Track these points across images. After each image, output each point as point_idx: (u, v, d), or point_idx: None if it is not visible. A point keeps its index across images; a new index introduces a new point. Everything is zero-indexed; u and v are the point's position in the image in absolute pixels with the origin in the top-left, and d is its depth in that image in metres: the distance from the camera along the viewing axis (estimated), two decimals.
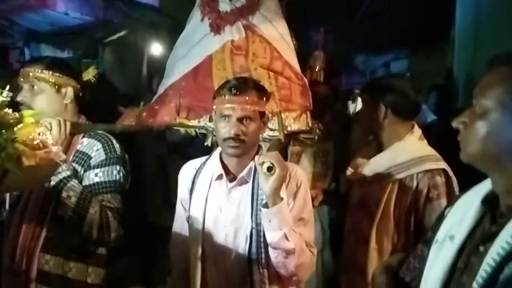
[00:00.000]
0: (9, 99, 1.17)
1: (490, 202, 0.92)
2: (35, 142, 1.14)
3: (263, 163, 1.36)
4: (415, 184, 1.69)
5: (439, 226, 1.01)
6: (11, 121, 1.14)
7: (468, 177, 1.05)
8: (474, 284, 0.82)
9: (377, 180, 1.78)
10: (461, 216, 0.96)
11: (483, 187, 0.96)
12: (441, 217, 1.04)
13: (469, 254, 0.89)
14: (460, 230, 0.92)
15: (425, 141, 1.84)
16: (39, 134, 1.17)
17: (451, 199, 1.67)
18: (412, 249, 1.16)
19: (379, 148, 1.85)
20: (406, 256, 1.17)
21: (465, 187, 1.06)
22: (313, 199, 1.82)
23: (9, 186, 1.16)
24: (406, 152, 1.75)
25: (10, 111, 1.17)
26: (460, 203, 1.01)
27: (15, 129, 1.13)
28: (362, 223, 1.80)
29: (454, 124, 0.93)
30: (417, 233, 1.68)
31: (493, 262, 0.80)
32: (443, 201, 1.64)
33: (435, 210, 1.63)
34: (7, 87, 1.19)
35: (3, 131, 1.10)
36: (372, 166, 1.82)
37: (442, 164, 1.71)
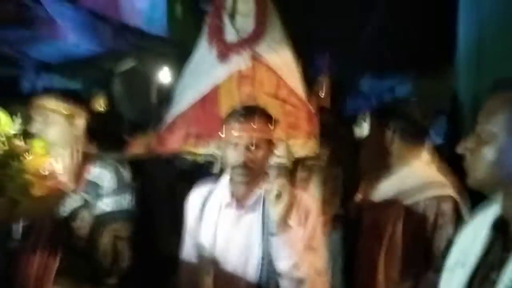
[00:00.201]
0: (20, 132, 1.20)
1: (499, 227, 0.91)
2: (44, 173, 1.17)
3: (271, 190, 1.36)
4: (421, 211, 1.67)
5: (449, 253, 1.01)
6: (21, 152, 1.17)
7: (479, 199, 1.05)
8: None
9: (385, 206, 1.76)
10: (470, 242, 0.95)
11: (491, 211, 0.95)
12: (450, 244, 1.04)
13: (481, 282, 0.88)
14: (471, 257, 0.92)
15: (433, 166, 1.83)
16: (48, 164, 1.19)
17: (459, 226, 1.67)
18: (422, 278, 1.15)
19: (388, 173, 1.84)
20: (416, 285, 1.16)
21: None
22: (322, 226, 1.82)
23: (18, 215, 1.19)
24: (413, 177, 1.74)
25: (21, 142, 1.19)
26: (469, 229, 1.00)
27: (24, 160, 1.15)
28: (372, 250, 1.77)
29: (460, 150, 0.94)
30: (425, 261, 1.64)
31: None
32: (451, 229, 1.62)
33: (442, 238, 1.61)
34: (19, 117, 1.21)
35: (13, 162, 1.13)
36: (379, 191, 1.81)
37: (449, 191, 1.68)
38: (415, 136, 1.82)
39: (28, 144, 1.22)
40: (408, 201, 1.70)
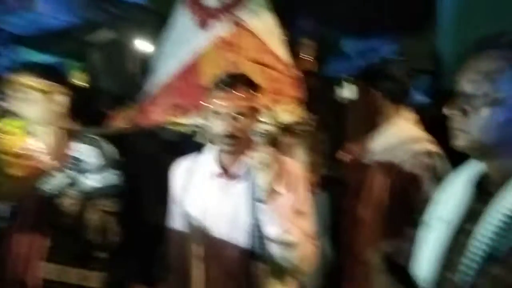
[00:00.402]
0: None
1: (478, 184, 0.93)
2: (23, 153, 1.12)
3: (258, 158, 1.36)
4: (402, 165, 1.73)
5: (428, 209, 1.03)
6: None
7: (459, 158, 1.05)
8: (464, 261, 0.84)
9: (368, 162, 1.83)
10: (449, 198, 0.98)
11: (471, 169, 0.97)
12: (429, 200, 1.05)
13: (457, 233, 0.91)
14: (449, 211, 0.94)
15: (416, 125, 1.89)
16: (27, 143, 1.15)
17: (439, 180, 1.73)
18: (404, 233, 1.18)
19: (375, 133, 1.89)
20: (399, 241, 1.19)
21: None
22: (310, 184, 1.86)
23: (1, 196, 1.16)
24: (398, 135, 1.80)
25: None
26: (448, 185, 1.02)
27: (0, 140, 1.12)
28: (355, 205, 1.85)
29: (449, 111, 0.92)
30: (409, 213, 1.71)
31: (484, 238, 0.82)
32: (431, 182, 1.68)
33: (424, 191, 1.68)
34: None
35: None
36: (362, 148, 1.88)
37: (427, 145, 1.75)
38: (400, 95, 1.87)
39: (3, 123, 1.18)
40: (393, 157, 1.76)
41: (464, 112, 0.90)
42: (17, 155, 1.14)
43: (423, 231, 1.01)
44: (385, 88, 1.84)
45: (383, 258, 1.20)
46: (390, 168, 1.75)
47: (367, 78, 1.93)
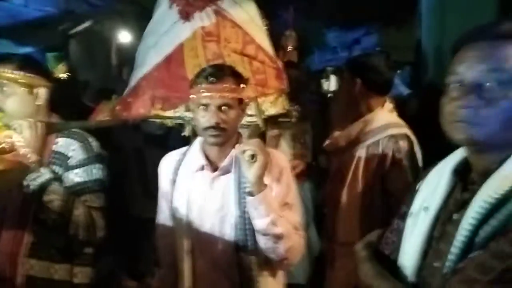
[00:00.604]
0: None
1: (460, 172, 0.94)
2: (1, 146, 1.08)
3: (244, 151, 1.35)
4: (380, 148, 1.81)
5: (413, 200, 1.03)
6: None
7: (436, 149, 1.06)
8: (452, 250, 0.85)
9: (349, 148, 1.90)
10: (433, 187, 0.98)
11: (452, 159, 0.98)
12: (413, 191, 1.06)
13: (444, 223, 0.92)
14: (434, 201, 0.95)
15: (394, 113, 1.99)
16: (5, 137, 1.11)
17: (414, 163, 1.80)
18: (389, 224, 1.19)
19: (356, 122, 1.94)
20: (384, 231, 1.21)
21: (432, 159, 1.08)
22: (294, 171, 1.90)
23: None
24: (375, 121, 1.87)
25: None
26: (431, 176, 1.02)
27: None
28: (336, 190, 1.91)
29: (453, 102, 0.87)
30: (383, 195, 1.81)
31: (469, 226, 0.83)
32: (406, 164, 1.78)
33: (399, 172, 1.77)
34: None
35: None
36: (344, 135, 1.94)
37: (405, 130, 1.84)
38: (382, 86, 1.93)
39: None
40: (368, 142, 1.85)
41: (476, 104, 0.85)
42: None
43: (408, 221, 1.01)
44: (368, 79, 1.89)
45: (367, 247, 1.21)
46: (371, 153, 1.83)
47: (350, 69, 1.98)
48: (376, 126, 1.85)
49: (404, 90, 3.58)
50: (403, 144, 1.79)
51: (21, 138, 1.18)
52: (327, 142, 2.04)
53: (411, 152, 1.80)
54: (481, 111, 0.85)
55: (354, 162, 1.85)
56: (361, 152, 1.85)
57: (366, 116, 1.90)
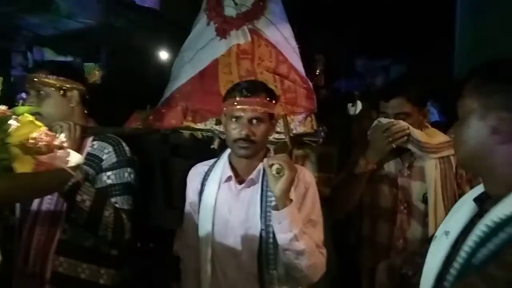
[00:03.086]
0: None
1: (481, 200, 0.97)
2: (38, 145, 0.97)
3: (272, 165, 1.37)
4: (454, 164, 1.75)
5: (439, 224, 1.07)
6: (4, 118, 0.96)
7: None
8: (451, 271, 0.88)
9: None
10: (456, 213, 1.02)
11: (479, 188, 1.01)
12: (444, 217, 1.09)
13: (458, 248, 0.93)
14: (454, 226, 0.97)
15: None
16: (42, 135, 0.98)
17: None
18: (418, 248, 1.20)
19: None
20: (412, 255, 1.21)
21: None
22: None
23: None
24: (437, 136, 1.79)
25: (4, 107, 1.00)
26: (458, 203, 1.07)
27: (9, 128, 0.95)
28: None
29: (450, 133, 0.99)
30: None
31: (468, 249, 0.86)
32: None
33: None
34: None
35: None
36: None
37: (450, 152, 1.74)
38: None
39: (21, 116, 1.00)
40: (439, 155, 1.74)
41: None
42: (30, 149, 0.96)
43: (432, 244, 1.04)
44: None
45: (390, 270, 1.21)
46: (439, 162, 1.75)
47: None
48: (442, 140, 1.75)
49: (434, 118, 3.56)
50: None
51: (61, 137, 1.12)
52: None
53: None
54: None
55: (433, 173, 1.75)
56: (436, 164, 1.75)
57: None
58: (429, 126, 1.87)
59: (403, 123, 1.72)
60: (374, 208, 1.85)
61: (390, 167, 1.84)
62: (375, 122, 1.78)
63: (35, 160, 0.97)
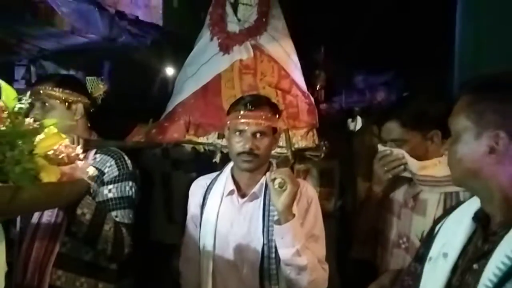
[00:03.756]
0: (27, 105, 1.03)
1: (480, 219, 0.93)
2: (60, 156, 1.02)
3: (274, 179, 1.37)
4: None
5: (431, 243, 1.02)
6: (30, 130, 1.00)
7: None
8: None
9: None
10: (452, 233, 0.97)
11: (473, 203, 0.97)
12: (431, 234, 1.05)
13: (463, 272, 0.90)
14: (453, 248, 0.93)
15: None
16: (64, 147, 1.03)
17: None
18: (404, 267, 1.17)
19: None
20: (398, 274, 1.18)
21: None
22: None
23: (24, 205, 0.98)
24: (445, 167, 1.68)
25: (30, 119, 1.04)
26: (450, 221, 1.02)
27: (35, 140, 0.99)
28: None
29: (443, 150, 0.98)
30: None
31: (490, 283, 0.81)
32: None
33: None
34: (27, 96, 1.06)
35: (19, 142, 0.96)
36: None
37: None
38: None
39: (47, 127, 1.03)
40: (449, 189, 1.54)
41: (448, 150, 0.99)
42: (54, 159, 1.01)
43: (426, 266, 1.00)
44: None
45: None
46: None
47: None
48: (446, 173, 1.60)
49: None
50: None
51: (79, 149, 1.13)
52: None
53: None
54: (447, 156, 0.97)
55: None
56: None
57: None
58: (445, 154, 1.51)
59: (397, 152, 1.57)
60: (382, 235, 1.70)
61: (399, 195, 1.66)
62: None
63: (59, 170, 1.01)
